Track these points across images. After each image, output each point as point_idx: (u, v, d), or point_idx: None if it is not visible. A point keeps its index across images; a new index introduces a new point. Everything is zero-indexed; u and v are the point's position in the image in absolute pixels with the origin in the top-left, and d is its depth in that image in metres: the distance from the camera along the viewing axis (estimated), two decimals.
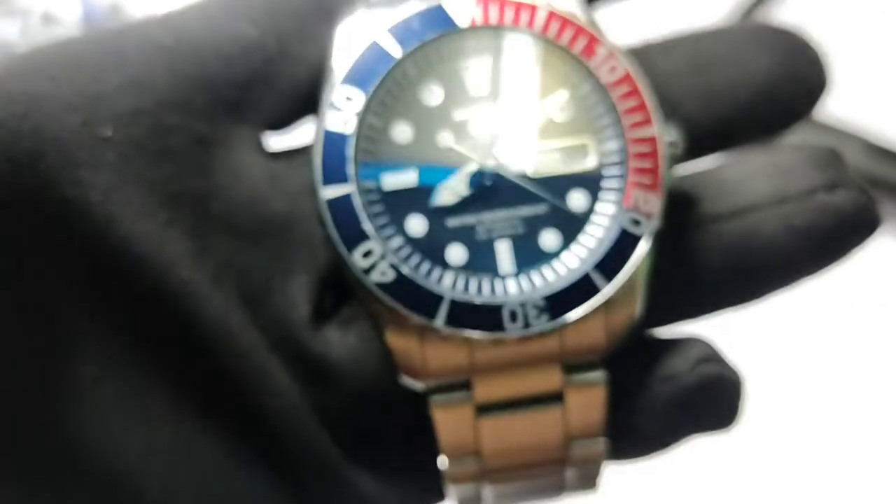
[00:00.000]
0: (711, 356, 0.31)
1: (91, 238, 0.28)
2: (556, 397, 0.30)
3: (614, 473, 0.32)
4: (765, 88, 0.31)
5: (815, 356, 0.56)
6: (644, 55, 0.32)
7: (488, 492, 0.31)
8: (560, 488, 0.32)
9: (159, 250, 0.28)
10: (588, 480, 0.32)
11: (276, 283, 0.30)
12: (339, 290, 0.30)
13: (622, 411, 0.30)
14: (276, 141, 0.32)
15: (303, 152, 0.31)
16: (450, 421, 0.30)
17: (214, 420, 0.30)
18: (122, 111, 0.29)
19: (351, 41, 0.30)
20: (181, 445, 0.29)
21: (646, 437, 0.31)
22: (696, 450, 0.33)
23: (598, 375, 0.30)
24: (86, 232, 0.28)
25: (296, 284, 0.30)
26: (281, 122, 0.32)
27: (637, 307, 0.29)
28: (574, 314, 0.28)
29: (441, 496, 0.32)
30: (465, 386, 0.29)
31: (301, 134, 0.32)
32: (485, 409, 0.30)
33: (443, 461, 0.30)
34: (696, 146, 0.32)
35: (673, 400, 0.30)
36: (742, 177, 0.31)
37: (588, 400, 0.30)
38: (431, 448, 0.30)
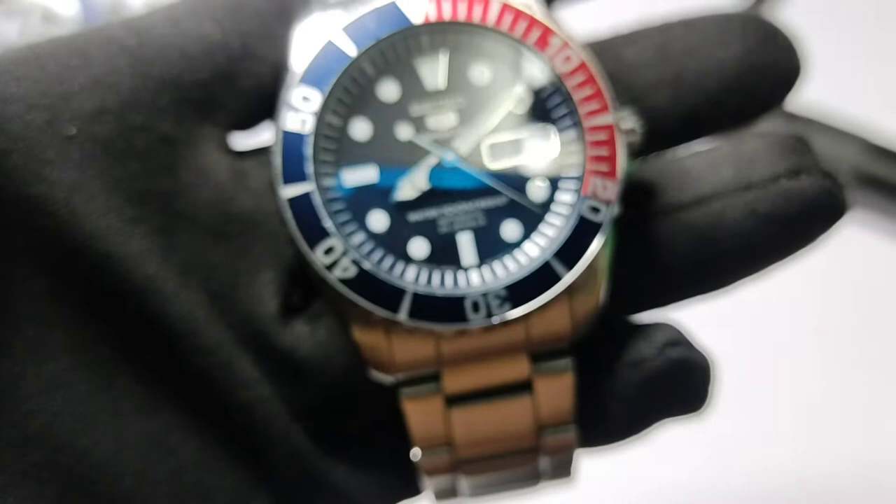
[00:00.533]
0: (678, 340, 0.31)
1: (56, 234, 0.28)
2: (524, 386, 0.30)
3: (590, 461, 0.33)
4: (734, 77, 0.31)
5: (812, 351, 0.56)
6: (611, 46, 0.32)
7: (463, 483, 0.31)
8: (535, 477, 0.32)
9: (124, 247, 0.29)
10: (562, 469, 0.32)
11: (243, 280, 0.30)
12: (308, 284, 0.30)
13: (591, 398, 0.31)
14: (242, 140, 0.32)
15: (267, 151, 0.31)
16: (420, 413, 0.30)
17: (186, 413, 0.30)
18: (86, 111, 0.29)
19: (307, 41, 0.30)
20: (154, 439, 0.30)
21: (616, 423, 0.31)
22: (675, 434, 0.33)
23: (565, 363, 0.30)
24: (51, 228, 0.28)
25: (262, 280, 0.30)
26: (246, 121, 0.32)
27: (601, 294, 0.30)
28: (535, 303, 0.29)
29: (417, 490, 0.32)
30: (434, 378, 0.30)
31: (267, 133, 0.32)
32: (454, 400, 0.30)
33: (415, 452, 0.30)
34: (666, 137, 0.32)
35: (640, 385, 0.30)
36: (706, 165, 0.31)
37: (556, 388, 0.30)
38: (406, 439, 0.30)
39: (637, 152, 0.30)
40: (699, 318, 0.33)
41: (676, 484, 0.51)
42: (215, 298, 0.30)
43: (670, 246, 0.31)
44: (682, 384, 0.31)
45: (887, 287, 0.57)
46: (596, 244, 0.29)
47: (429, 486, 0.31)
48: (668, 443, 0.35)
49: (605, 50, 0.32)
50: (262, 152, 0.32)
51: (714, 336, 0.33)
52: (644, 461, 0.40)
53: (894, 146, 0.58)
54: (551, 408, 0.30)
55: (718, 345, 0.32)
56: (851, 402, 0.54)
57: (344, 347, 0.30)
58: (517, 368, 0.30)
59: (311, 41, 0.30)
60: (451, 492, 0.32)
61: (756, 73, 0.31)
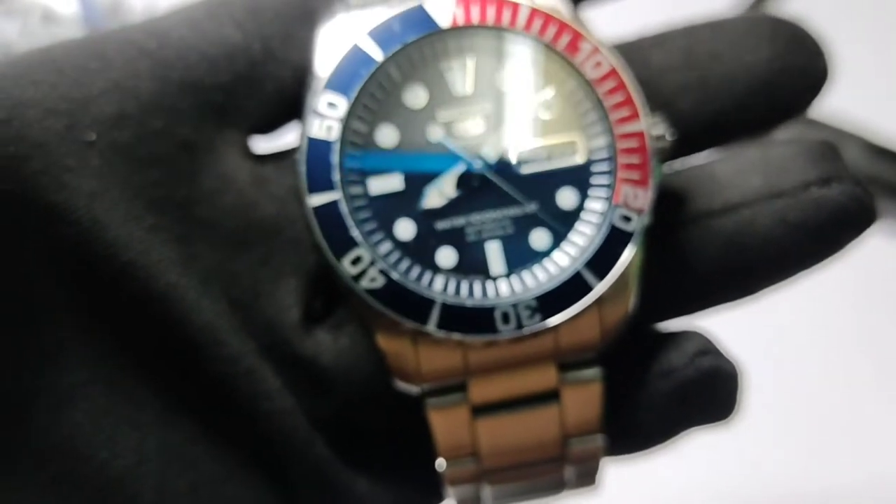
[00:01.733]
0: (709, 349, 0.30)
1: (77, 243, 0.28)
2: (552, 395, 0.30)
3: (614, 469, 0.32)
4: (762, 82, 0.31)
5: (814, 351, 0.56)
6: (637, 49, 0.32)
7: (487, 491, 0.31)
8: (559, 486, 0.32)
9: (146, 255, 0.28)
10: (587, 477, 0.31)
11: (266, 287, 0.30)
12: (331, 292, 0.30)
13: (621, 408, 0.30)
14: (264, 144, 0.32)
15: (290, 155, 0.30)
16: (446, 423, 0.29)
17: (206, 425, 0.30)
18: (106, 116, 0.28)
19: (332, 45, 0.29)
20: (174, 450, 0.29)
21: (645, 433, 0.31)
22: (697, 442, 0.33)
23: (593, 372, 0.30)
24: (72, 237, 0.28)
25: (285, 288, 0.30)
26: (267, 125, 0.31)
27: (630, 303, 0.29)
28: (566, 314, 0.28)
29: (440, 497, 0.32)
30: (461, 388, 0.29)
31: (289, 136, 0.32)
32: (481, 410, 0.29)
33: (441, 463, 0.30)
34: (690, 142, 0.31)
35: (671, 395, 0.30)
36: (734, 172, 0.31)
37: (584, 397, 0.30)
38: (429, 449, 0.30)
39: (666, 159, 0.30)
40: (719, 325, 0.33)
41: (691, 490, 0.51)
42: (237, 307, 0.29)
43: (699, 253, 0.30)
44: (712, 393, 0.30)
45: (887, 287, 0.57)
46: (627, 254, 0.28)
47: (452, 495, 0.31)
48: (689, 449, 0.34)
49: (632, 52, 0.31)
50: (285, 156, 0.31)
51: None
52: (661, 468, 0.39)
53: (894, 146, 0.58)
54: (578, 417, 0.30)
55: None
56: (847, 398, 0.54)
57: (367, 356, 0.29)
58: (545, 378, 0.29)
59: (336, 45, 0.29)
60: (475, 500, 0.31)
61: (784, 77, 0.31)
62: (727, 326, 0.33)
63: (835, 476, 0.52)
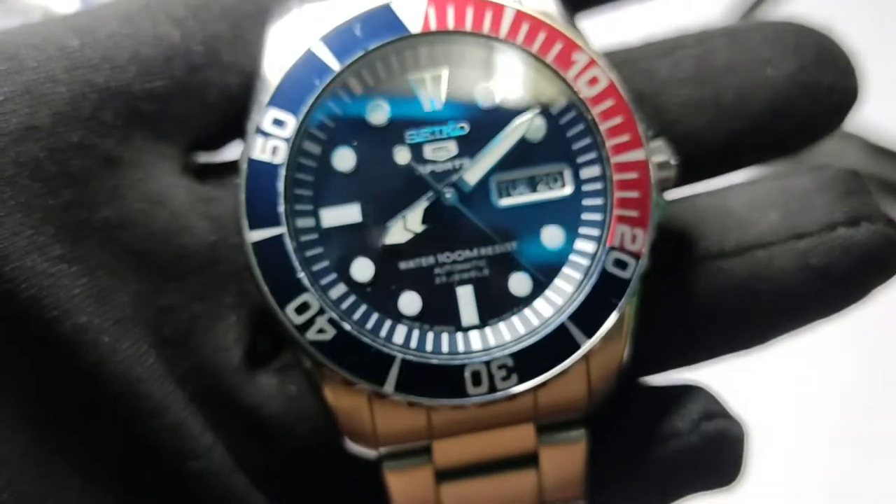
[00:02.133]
0: (714, 411, 0.27)
1: None
2: (529, 459, 0.26)
3: None
4: (783, 99, 0.27)
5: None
6: (643, 58, 0.28)
7: None
8: None
9: (51, 291, 0.24)
10: None
11: (201, 325, 0.26)
12: (277, 330, 0.26)
13: (613, 473, 0.27)
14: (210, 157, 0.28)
15: (236, 167, 0.26)
16: (406, 488, 0.26)
17: (129, 483, 0.26)
18: (11, 126, 0.24)
19: (283, 47, 0.25)
20: None
21: (642, 500, 0.27)
22: None
23: (578, 434, 0.26)
24: None
25: (224, 325, 0.26)
26: (212, 138, 0.28)
27: (623, 356, 0.25)
28: (547, 375, 0.24)
29: None
30: (424, 450, 0.26)
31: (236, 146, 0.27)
32: (447, 475, 0.26)
33: None
34: (701, 165, 0.28)
35: (672, 462, 0.27)
36: (750, 206, 0.27)
37: (566, 459, 0.26)
38: None
39: (670, 187, 0.25)
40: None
41: None
42: (166, 347, 0.26)
43: (707, 298, 0.27)
44: (719, 459, 0.27)
45: (887, 287, 0.55)
46: (621, 305, 0.24)
47: None
48: None
49: (636, 62, 0.28)
50: (229, 168, 0.27)
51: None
52: None
53: (894, 146, 0.56)
54: (559, 482, 0.26)
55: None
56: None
57: (318, 407, 0.26)
58: (521, 440, 0.26)
59: (288, 47, 0.25)
60: None
61: (808, 95, 0.27)
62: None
63: None
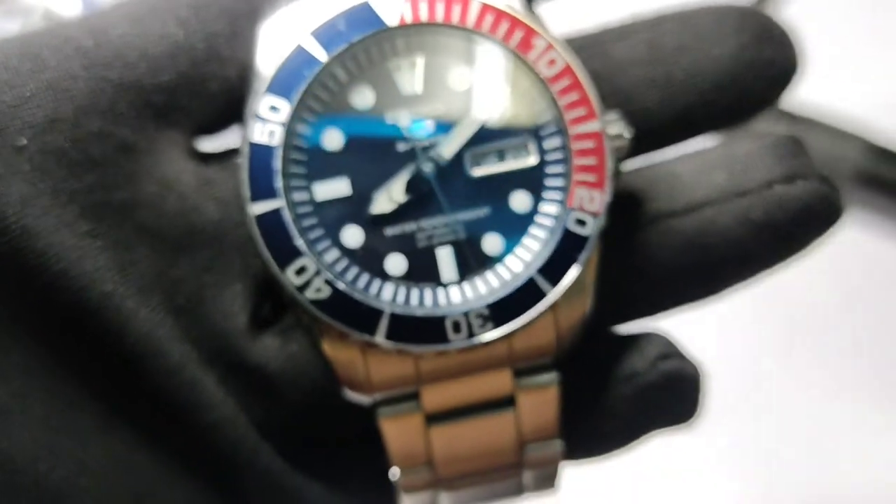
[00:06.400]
0: (670, 352, 0.30)
1: (7, 253, 0.27)
2: (507, 401, 0.29)
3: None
4: (728, 75, 0.30)
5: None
6: (599, 42, 0.31)
7: (444, 498, 0.31)
8: (518, 490, 0.31)
9: (79, 263, 0.27)
10: (546, 482, 0.31)
11: (210, 293, 0.29)
12: (278, 296, 0.29)
13: (581, 413, 0.30)
14: (210, 144, 0.31)
15: (236, 154, 0.29)
16: (399, 432, 0.29)
17: (148, 435, 0.29)
18: (38, 119, 0.27)
19: (275, 43, 0.28)
20: (114, 461, 0.28)
21: (607, 438, 0.30)
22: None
23: (549, 377, 0.29)
24: (1, 247, 0.27)
25: (230, 294, 0.29)
26: (213, 125, 0.30)
27: (586, 307, 0.28)
28: (518, 321, 0.27)
29: None
30: (413, 396, 0.29)
31: (235, 135, 0.30)
32: (434, 418, 0.29)
33: (394, 472, 0.29)
34: (655, 138, 0.30)
35: (634, 399, 0.30)
36: (697, 170, 0.30)
37: (541, 402, 0.29)
38: (383, 456, 0.29)
39: (625, 157, 0.29)
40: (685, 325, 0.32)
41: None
42: (180, 314, 0.28)
43: (660, 254, 0.30)
44: (676, 397, 0.30)
45: (887, 287, 0.57)
46: (582, 259, 0.28)
47: (408, 502, 0.30)
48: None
49: (593, 46, 0.30)
50: (231, 155, 0.30)
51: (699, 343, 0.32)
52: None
53: (894, 146, 0.57)
54: (535, 423, 0.29)
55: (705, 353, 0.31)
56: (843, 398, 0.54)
57: (316, 363, 0.29)
58: (499, 384, 0.29)
59: (280, 42, 0.28)
60: None
61: (751, 70, 0.30)
62: (690, 326, 0.32)
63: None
